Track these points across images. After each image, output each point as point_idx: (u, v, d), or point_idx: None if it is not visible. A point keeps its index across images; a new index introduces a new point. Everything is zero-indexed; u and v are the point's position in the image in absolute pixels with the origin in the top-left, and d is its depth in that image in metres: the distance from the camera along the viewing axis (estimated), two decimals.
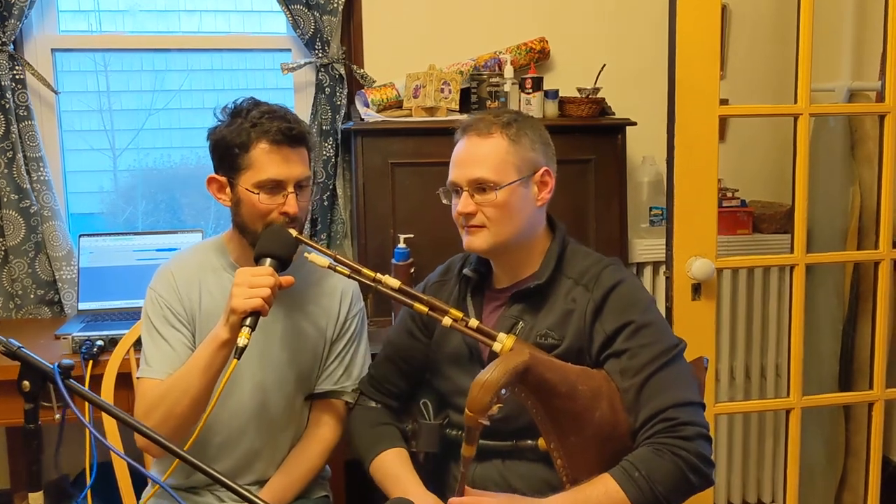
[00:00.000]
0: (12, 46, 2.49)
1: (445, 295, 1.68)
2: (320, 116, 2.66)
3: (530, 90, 2.57)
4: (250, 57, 2.87)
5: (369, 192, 2.49)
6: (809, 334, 2.48)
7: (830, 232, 2.71)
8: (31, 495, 1.16)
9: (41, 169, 2.53)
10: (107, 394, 1.82)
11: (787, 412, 2.31)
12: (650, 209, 2.82)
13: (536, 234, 1.61)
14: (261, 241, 1.58)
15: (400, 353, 1.73)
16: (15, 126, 2.48)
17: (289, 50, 2.78)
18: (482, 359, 1.59)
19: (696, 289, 2.18)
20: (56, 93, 2.62)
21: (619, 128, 2.62)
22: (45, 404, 1.17)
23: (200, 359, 1.53)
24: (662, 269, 2.62)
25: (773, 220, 2.83)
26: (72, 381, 1.13)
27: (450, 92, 2.57)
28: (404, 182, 2.50)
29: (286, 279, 1.55)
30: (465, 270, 1.66)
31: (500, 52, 2.73)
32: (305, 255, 1.58)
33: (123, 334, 1.93)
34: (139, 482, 1.81)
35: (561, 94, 2.64)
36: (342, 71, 2.67)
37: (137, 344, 1.79)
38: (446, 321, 1.53)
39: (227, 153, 1.61)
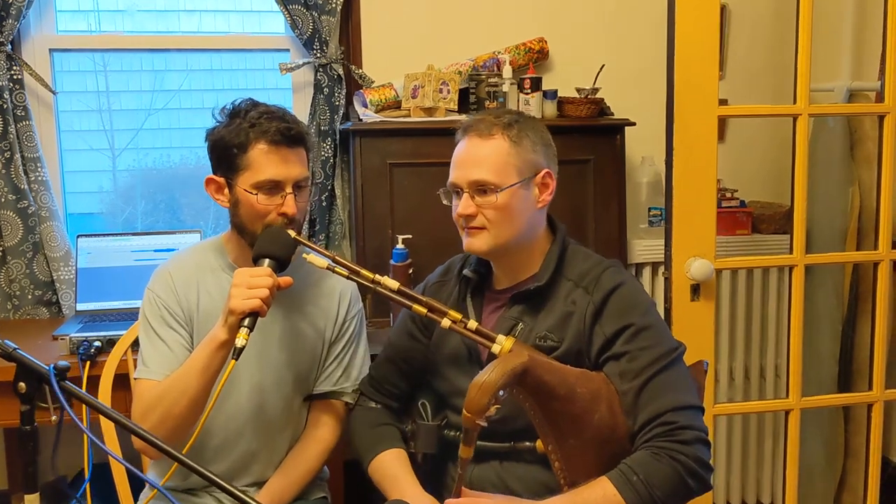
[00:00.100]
0: (10, 46, 2.49)
1: (445, 295, 1.68)
2: (319, 117, 2.66)
3: (529, 90, 2.56)
4: (250, 57, 2.87)
5: (368, 193, 2.49)
6: (809, 335, 2.48)
7: (830, 232, 2.70)
8: (28, 497, 1.15)
9: (39, 169, 2.53)
10: (104, 395, 1.82)
11: (787, 413, 2.31)
12: (649, 209, 2.82)
13: (537, 236, 1.60)
14: (259, 241, 1.57)
15: (400, 354, 1.73)
16: (13, 126, 2.48)
17: (287, 50, 2.77)
18: (481, 360, 1.59)
19: (695, 289, 2.18)
20: (54, 93, 2.62)
21: (618, 128, 2.62)
22: (43, 405, 1.17)
23: (198, 360, 1.53)
24: (661, 269, 2.62)
25: (773, 221, 2.83)
26: (67, 382, 1.13)
27: (448, 92, 2.56)
28: (403, 182, 2.49)
29: (285, 280, 1.55)
30: (465, 271, 1.66)
31: (499, 53, 2.72)
32: (304, 255, 1.58)
33: (121, 335, 1.93)
34: (137, 481, 1.81)
35: (560, 94, 2.64)
36: (340, 71, 2.67)
37: (135, 345, 1.78)
38: (445, 323, 1.53)
39: (225, 154, 1.60)
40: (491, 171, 1.52)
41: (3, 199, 2.50)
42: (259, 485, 1.72)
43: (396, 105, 2.62)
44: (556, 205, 1.62)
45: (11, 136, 2.48)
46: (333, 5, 2.61)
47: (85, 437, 1.35)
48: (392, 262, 2.39)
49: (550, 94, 2.61)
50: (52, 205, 2.55)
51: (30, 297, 2.56)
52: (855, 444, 2.72)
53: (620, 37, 2.87)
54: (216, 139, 1.62)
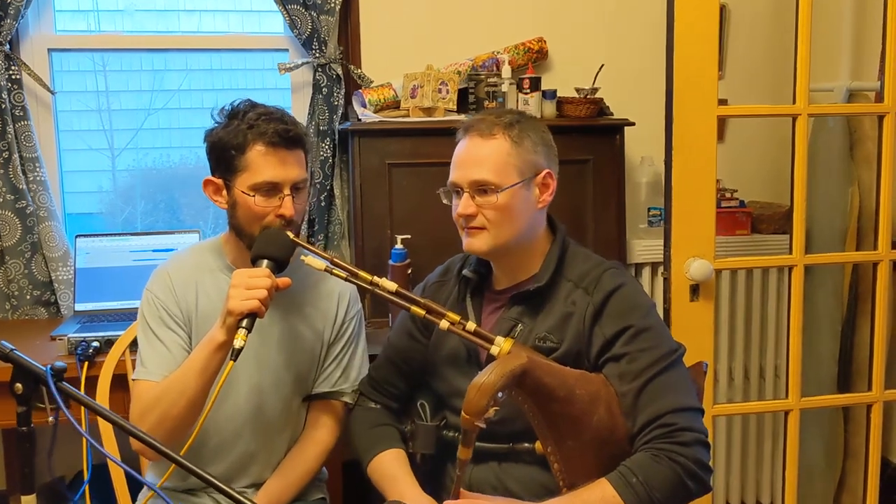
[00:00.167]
0: (8, 46, 2.48)
1: (444, 296, 1.67)
2: (317, 117, 2.66)
3: (528, 90, 2.56)
4: (249, 57, 2.86)
5: (366, 193, 2.48)
6: (808, 335, 2.48)
7: (829, 232, 2.70)
8: (24, 498, 1.15)
9: (37, 169, 2.52)
10: (102, 395, 1.81)
11: (786, 413, 2.31)
12: (648, 210, 2.82)
13: (537, 236, 1.60)
14: (257, 242, 1.57)
15: (400, 355, 1.72)
16: (11, 126, 2.47)
17: (286, 50, 2.77)
18: (480, 361, 1.58)
19: (695, 290, 2.17)
20: (52, 93, 2.61)
21: (618, 128, 2.61)
22: (40, 406, 1.17)
23: (197, 361, 1.53)
24: (661, 269, 2.62)
25: (772, 221, 2.83)
26: (64, 383, 1.13)
27: (447, 92, 2.56)
28: (401, 182, 2.49)
29: (283, 281, 1.54)
30: (465, 271, 1.66)
31: (498, 52, 2.72)
32: (302, 258, 1.58)
33: (119, 335, 1.93)
34: (136, 481, 1.80)
35: (559, 94, 2.64)
36: (339, 71, 2.66)
37: (134, 345, 1.78)
38: (443, 324, 1.53)
39: (223, 155, 1.60)
40: (491, 171, 1.52)
41: (1, 199, 2.50)
42: (257, 486, 1.72)
43: (395, 105, 2.61)
44: (556, 205, 1.62)
45: (10, 136, 2.47)
46: (332, 5, 2.60)
47: (83, 438, 1.34)
48: (391, 262, 2.39)
49: (549, 94, 2.61)
50: (50, 205, 2.54)
51: (28, 297, 2.56)
52: (854, 444, 2.71)
53: (620, 37, 2.86)
54: (214, 140, 1.62)
